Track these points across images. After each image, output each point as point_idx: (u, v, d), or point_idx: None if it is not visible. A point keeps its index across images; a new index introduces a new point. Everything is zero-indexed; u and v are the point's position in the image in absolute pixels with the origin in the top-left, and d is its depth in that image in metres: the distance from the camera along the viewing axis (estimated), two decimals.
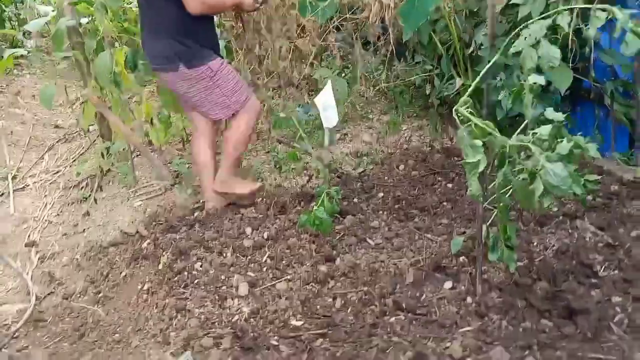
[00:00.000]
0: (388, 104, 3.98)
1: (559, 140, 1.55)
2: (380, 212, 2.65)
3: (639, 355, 1.65)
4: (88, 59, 3.09)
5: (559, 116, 1.61)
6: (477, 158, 1.49)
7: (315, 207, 2.34)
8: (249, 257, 2.32)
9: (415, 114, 3.86)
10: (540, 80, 1.60)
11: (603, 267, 2.09)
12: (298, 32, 3.44)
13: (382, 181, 2.98)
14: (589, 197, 2.55)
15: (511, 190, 1.68)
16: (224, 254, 2.35)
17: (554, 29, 2.65)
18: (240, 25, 3.24)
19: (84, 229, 2.87)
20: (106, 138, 3.32)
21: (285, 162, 3.27)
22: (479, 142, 1.52)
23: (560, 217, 2.43)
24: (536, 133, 1.49)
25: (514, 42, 1.88)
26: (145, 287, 2.26)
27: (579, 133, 2.99)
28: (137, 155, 3.44)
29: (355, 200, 2.80)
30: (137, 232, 2.70)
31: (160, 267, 2.34)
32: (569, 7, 1.59)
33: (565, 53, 2.67)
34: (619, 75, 2.85)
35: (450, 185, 2.85)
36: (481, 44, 3.11)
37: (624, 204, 2.49)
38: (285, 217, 2.64)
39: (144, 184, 3.18)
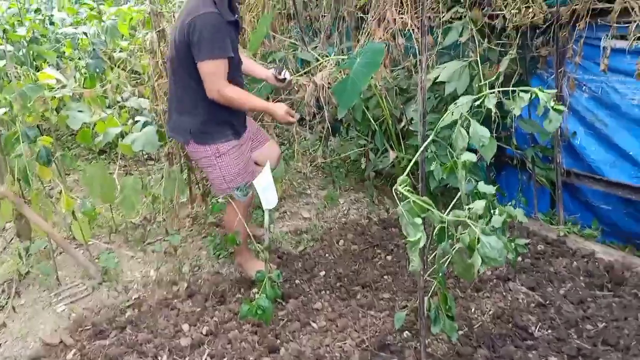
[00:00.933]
0: (325, 179, 4.04)
1: (491, 212, 1.63)
2: (323, 291, 2.62)
3: None
4: (4, 152, 2.95)
5: (490, 189, 1.70)
6: (418, 236, 1.53)
7: (256, 295, 2.28)
8: (187, 359, 2.19)
9: (352, 188, 3.94)
10: (472, 157, 1.69)
11: (537, 327, 2.16)
12: None
13: (323, 258, 2.97)
14: (519, 259, 2.67)
15: (450, 262, 1.72)
16: (159, 358, 2.20)
17: (478, 105, 2.88)
18: None
19: (0, 344, 2.61)
20: (24, 237, 3.12)
21: (223, 247, 3.20)
22: (418, 220, 1.57)
23: (494, 281, 2.52)
24: (471, 208, 1.56)
25: (442, 118, 2.01)
26: None
27: (505, 197, 3.18)
28: (60, 253, 3.25)
29: (297, 281, 2.76)
30: (61, 341, 2.46)
31: None
32: (493, 90, 1.72)
33: (489, 125, 2.89)
34: (538, 142, 3.08)
35: (389, 258, 2.88)
36: (412, 119, 3.28)
37: (550, 262, 2.62)
38: (225, 307, 2.55)
39: (67, 284, 2.97)
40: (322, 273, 2.79)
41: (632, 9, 2.39)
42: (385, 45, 3.15)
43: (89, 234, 3.05)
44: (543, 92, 1.52)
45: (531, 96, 1.56)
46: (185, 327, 2.39)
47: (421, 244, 1.65)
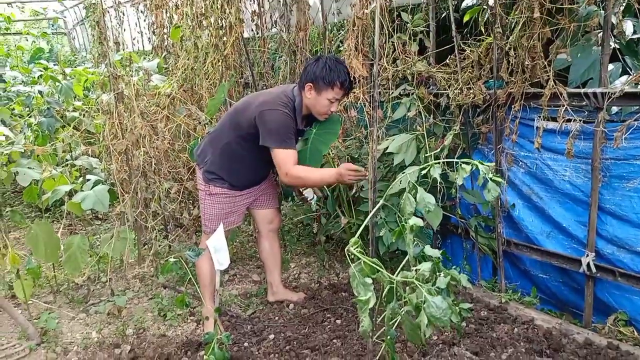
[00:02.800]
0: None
1: (437, 274, 1.73)
2: (272, 355, 2.60)
3: None
4: None
5: (436, 252, 1.80)
6: (368, 295, 1.60)
7: (204, 357, 2.24)
8: None
9: (303, 252, 3.99)
10: (419, 222, 1.80)
11: None
12: (188, 175, 3.51)
13: (272, 322, 2.95)
14: (464, 324, 2.76)
15: (398, 323, 1.78)
16: None
17: (424, 175, 3.05)
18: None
19: None
20: None
21: (170, 309, 3.14)
22: (369, 280, 1.64)
23: (440, 345, 2.58)
24: (419, 269, 1.65)
25: (391, 186, 2.14)
26: None
27: (451, 262, 3.31)
28: None
29: (246, 344, 2.72)
30: None
31: None
32: (438, 161, 1.88)
33: (435, 194, 3.06)
34: (481, 212, 3.27)
35: (339, 322, 2.90)
36: (362, 187, 3.42)
37: (492, 328, 2.72)
38: None
39: (4, 345, 2.82)
40: (272, 336, 2.78)
41: (561, 94, 2.67)
42: (339, 116, 3.34)
43: (30, 293, 2.93)
44: (483, 164, 1.68)
45: (472, 168, 1.71)
46: None
47: (371, 304, 1.72)
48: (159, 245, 3.57)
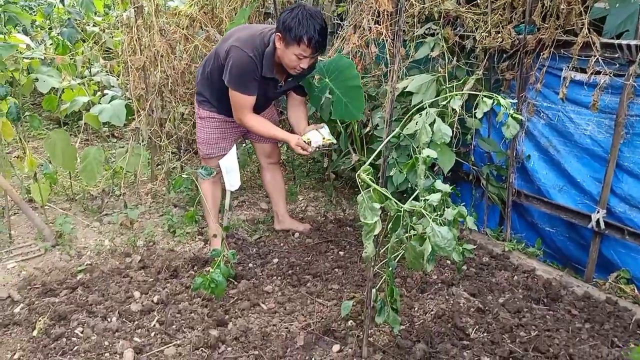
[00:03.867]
0: (286, 175, 4.12)
1: (445, 208, 1.74)
2: (275, 277, 2.68)
3: None
4: None
5: (447, 187, 1.81)
6: (375, 220, 1.62)
7: (210, 270, 2.32)
8: (137, 322, 2.22)
9: (311, 186, 4.03)
10: (433, 154, 1.79)
11: (474, 329, 2.28)
12: None
13: (277, 247, 3.03)
14: (464, 267, 2.80)
15: (400, 255, 1.81)
16: (109, 319, 2.22)
17: (442, 117, 3.01)
18: None
19: None
20: None
21: (180, 226, 3.22)
22: (377, 205, 1.66)
23: (439, 284, 2.64)
24: (427, 199, 1.66)
25: (407, 124, 2.12)
26: (16, 356, 2.05)
27: (460, 201, 3.31)
28: (15, 214, 3.20)
29: (251, 265, 2.81)
30: (9, 296, 2.46)
31: (35, 333, 2.15)
32: (460, 92, 1.84)
33: (450, 139, 3.03)
34: (494, 161, 3.25)
35: (342, 253, 2.97)
36: (377, 125, 3.39)
37: (492, 274, 2.77)
38: (177, 281, 2.58)
39: (20, 244, 2.94)
40: (276, 260, 2.85)
41: (594, 43, 2.58)
42: (357, 53, 3.26)
43: (47, 197, 3.02)
44: (505, 99, 1.65)
45: (493, 102, 1.68)
46: (137, 294, 2.41)
47: (376, 231, 1.75)
48: (172, 166, 3.61)
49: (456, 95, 1.73)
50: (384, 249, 2.06)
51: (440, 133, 1.71)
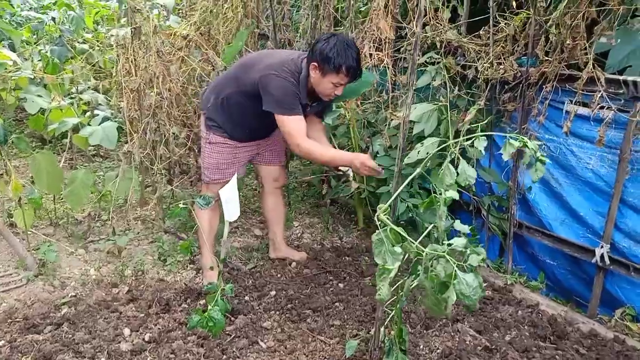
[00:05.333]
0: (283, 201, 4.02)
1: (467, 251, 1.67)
2: (273, 311, 2.56)
3: None
4: None
5: (465, 228, 1.74)
6: (396, 265, 1.54)
7: (209, 307, 2.19)
8: None
9: (306, 212, 3.93)
10: (455, 195, 1.72)
11: None
12: (198, 121, 3.40)
13: (274, 278, 2.91)
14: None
15: (422, 297, 1.72)
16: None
17: (443, 148, 2.96)
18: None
19: None
20: None
21: (171, 254, 3.09)
22: (398, 249, 1.58)
23: (443, 320, 2.55)
24: (451, 244, 1.58)
25: (408, 155, 2.06)
26: None
27: (477, 239, 3.26)
28: None
29: (247, 298, 2.69)
30: None
31: None
32: (468, 137, 1.79)
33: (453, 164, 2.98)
34: (495, 192, 3.20)
35: (341, 285, 2.87)
36: (377, 152, 3.33)
37: (497, 309, 2.69)
38: (169, 316, 2.44)
39: (0, 273, 2.77)
40: (273, 293, 2.74)
41: (598, 79, 2.57)
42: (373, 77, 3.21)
43: (31, 223, 2.86)
44: (532, 142, 1.59)
45: (519, 144, 1.63)
46: (127, 331, 2.27)
47: (392, 274, 1.66)
48: (164, 190, 3.49)
49: (481, 136, 1.67)
50: (393, 287, 1.98)
51: (465, 175, 1.64)
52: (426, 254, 1.55)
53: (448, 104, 2.99)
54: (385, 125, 3.37)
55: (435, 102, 3.08)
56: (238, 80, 2.63)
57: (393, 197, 1.87)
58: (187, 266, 3.05)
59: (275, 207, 3.14)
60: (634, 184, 2.58)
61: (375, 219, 1.62)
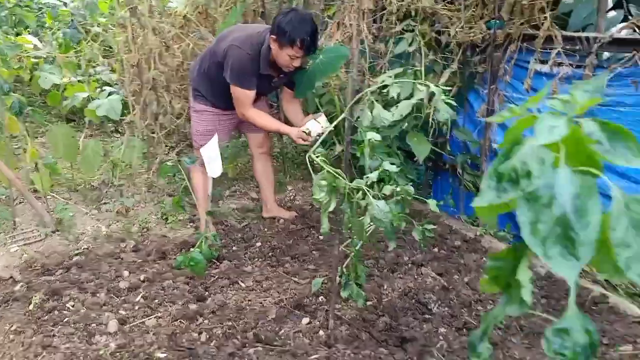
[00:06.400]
0: (277, 167, 4.31)
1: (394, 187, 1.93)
2: (256, 259, 2.88)
3: None
4: None
5: (393, 167, 1.99)
6: (321, 195, 1.81)
7: (192, 250, 2.52)
8: (123, 297, 2.43)
9: (301, 177, 4.21)
10: (376, 137, 1.97)
11: (436, 305, 2.45)
12: None
13: (262, 232, 3.22)
14: (435, 249, 2.97)
15: (349, 224, 2.00)
16: (98, 294, 2.43)
17: (419, 109, 3.18)
18: None
19: None
20: None
21: (172, 214, 3.43)
22: (323, 182, 1.84)
23: (409, 265, 2.80)
24: (368, 177, 1.84)
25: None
26: (13, 328, 2.27)
27: (436, 198, 3.47)
28: (20, 203, 3.44)
29: (235, 248, 3.01)
30: (11, 276, 2.68)
31: (30, 307, 2.36)
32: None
33: (427, 129, 3.20)
34: (470, 150, 3.40)
35: (322, 238, 3.15)
36: (358, 117, 3.56)
37: (462, 256, 2.92)
38: (164, 262, 2.79)
39: (23, 230, 3.17)
40: (259, 244, 3.05)
41: (555, 36, 2.72)
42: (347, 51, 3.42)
43: (48, 186, 3.24)
44: (437, 86, 1.82)
45: (429, 89, 1.85)
46: (126, 273, 2.62)
47: (331, 208, 1.94)
48: (165, 158, 3.82)
49: (395, 83, 1.90)
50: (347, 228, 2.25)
51: (380, 117, 1.87)
52: (349, 187, 1.81)
53: (423, 69, 3.20)
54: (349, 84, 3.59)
55: (411, 67, 3.28)
56: (213, 54, 2.90)
57: (345, 151, 2.12)
58: (187, 224, 3.38)
59: (264, 171, 3.43)
60: None
61: (307, 158, 1.88)
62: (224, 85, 2.89)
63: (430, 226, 2.34)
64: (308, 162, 1.92)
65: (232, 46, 2.76)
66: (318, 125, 2.96)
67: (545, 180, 0.62)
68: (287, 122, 3.24)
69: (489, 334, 0.81)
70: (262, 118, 2.96)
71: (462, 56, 3.24)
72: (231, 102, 3.06)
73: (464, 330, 2.28)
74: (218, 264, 2.77)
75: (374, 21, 3.57)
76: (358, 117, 3.57)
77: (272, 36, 2.69)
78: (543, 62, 2.82)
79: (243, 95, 2.84)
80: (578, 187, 0.61)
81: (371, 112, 1.96)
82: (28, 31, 5.37)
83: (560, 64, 2.77)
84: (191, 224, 3.40)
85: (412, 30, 3.33)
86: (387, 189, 1.80)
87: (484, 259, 2.90)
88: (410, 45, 3.30)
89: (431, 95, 2.01)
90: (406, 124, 3.32)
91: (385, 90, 3.44)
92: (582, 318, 0.68)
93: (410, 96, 3.23)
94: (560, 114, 0.64)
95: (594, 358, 0.68)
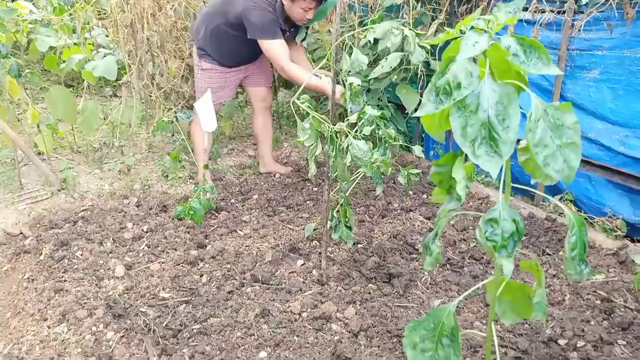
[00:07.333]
0: (274, 124, 4.40)
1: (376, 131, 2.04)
2: (253, 209, 3.01)
3: (434, 303, 2.12)
4: None
5: (375, 112, 2.09)
6: (305, 137, 1.92)
7: (189, 200, 2.65)
8: (128, 246, 2.58)
9: (296, 135, 4.30)
10: (357, 81, 2.07)
11: (422, 245, 2.59)
12: (189, 52, 3.76)
13: (258, 186, 3.35)
14: (424, 196, 3.10)
15: (334, 166, 2.12)
16: (104, 244, 2.58)
17: (408, 61, 3.25)
18: None
19: None
20: None
21: (172, 172, 3.55)
22: (306, 125, 1.96)
23: (399, 211, 2.94)
24: (348, 119, 1.96)
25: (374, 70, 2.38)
26: (26, 276, 2.42)
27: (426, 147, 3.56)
28: (25, 164, 3.57)
29: (233, 200, 3.14)
30: (21, 232, 2.83)
31: (41, 257, 2.52)
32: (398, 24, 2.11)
33: (416, 80, 3.28)
34: None
35: (316, 189, 3.28)
36: (349, 71, 3.64)
37: None
38: (166, 214, 2.93)
39: (29, 189, 3.31)
40: (256, 196, 3.18)
41: None
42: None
43: (51, 147, 3.36)
44: (413, 30, 1.90)
45: (401, 33, 1.93)
46: (130, 225, 2.77)
47: (317, 152, 2.06)
48: (163, 117, 3.92)
49: (371, 28, 1.98)
50: (335, 174, 2.37)
51: (357, 62, 1.96)
52: (333, 130, 1.92)
53: (411, 21, 3.25)
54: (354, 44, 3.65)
55: (400, 20, 3.34)
56: (223, 13, 2.99)
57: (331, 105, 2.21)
58: (187, 181, 3.51)
59: (263, 125, 3.54)
60: (572, 80, 2.82)
61: (291, 103, 1.99)
62: (232, 44, 3.02)
63: (415, 171, 2.47)
64: (293, 109, 2.02)
65: (249, 6, 2.87)
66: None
67: (472, 89, 0.72)
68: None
69: (439, 235, 0.93)
70: (303, 74, 2.88)
71: (449, 7, 3.28)
72: (238, 60, 3.17)
73: (447, 266, 2.43)
74: (217, 215, 2.91)
75: None
76: (349, 71, 3.67)
77: None
78: (525, 9, 2.87)
79: (276, 46, 2.91)
80: (500, 95, 0.72)
81: (349, 57, 2.04)
82: None
83: (542, 12, 2.82)
84: (191, 180, 3.52)
85: None
86: (367, 130, 1.91)
87: (471, 202, 3.04)
88: None
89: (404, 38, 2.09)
90: (395, 77, 3.41)
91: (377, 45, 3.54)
92: (509, 209, 0.80)
93: (401, 50, 3.33)
94: (483, 32, 0.74)
95: (520, 243, 0.80)
